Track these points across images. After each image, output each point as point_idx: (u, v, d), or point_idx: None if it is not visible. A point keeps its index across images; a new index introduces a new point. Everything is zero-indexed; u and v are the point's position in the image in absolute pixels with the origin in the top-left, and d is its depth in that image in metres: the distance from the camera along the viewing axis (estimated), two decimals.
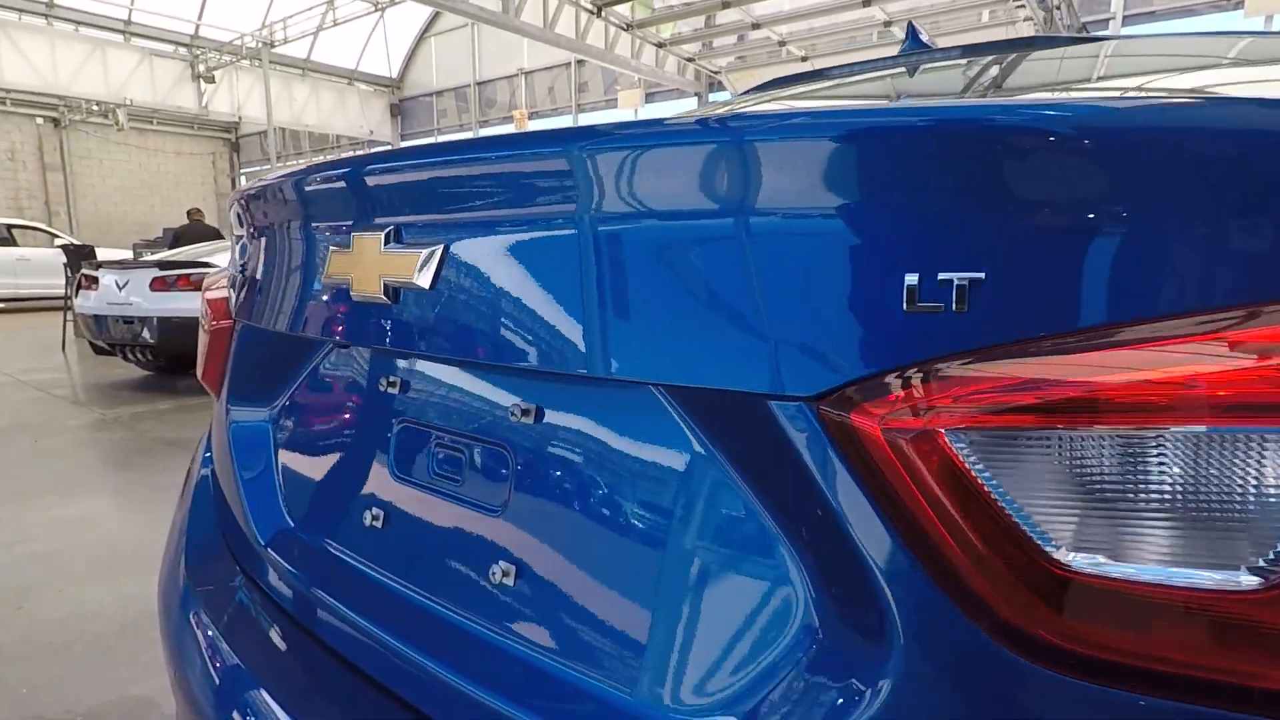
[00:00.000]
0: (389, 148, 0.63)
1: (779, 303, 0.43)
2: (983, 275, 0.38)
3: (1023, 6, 7.56)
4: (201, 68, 14.50)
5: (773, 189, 0.43)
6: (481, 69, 15.33)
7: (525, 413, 0.65)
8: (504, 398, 0.67)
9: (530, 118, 14.28)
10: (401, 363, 0.79)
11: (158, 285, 5.20)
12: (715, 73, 11.39)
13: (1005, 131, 0.38)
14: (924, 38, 1.63)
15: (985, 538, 0.37)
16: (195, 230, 8.17)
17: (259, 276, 0.87)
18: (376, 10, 13.02)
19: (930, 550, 0.39)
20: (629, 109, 12.24)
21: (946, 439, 0.37)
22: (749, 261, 0.44)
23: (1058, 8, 6.51)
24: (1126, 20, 9.05)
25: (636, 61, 10.18)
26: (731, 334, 0.45)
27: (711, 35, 10.64)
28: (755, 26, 9.43)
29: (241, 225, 0.99)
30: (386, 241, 0.63)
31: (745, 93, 1.67)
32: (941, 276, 0.39)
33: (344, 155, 0.74)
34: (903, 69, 1.37)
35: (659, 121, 0.48)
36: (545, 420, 0.65)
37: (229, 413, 1.00)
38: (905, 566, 0.40)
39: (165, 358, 5.49)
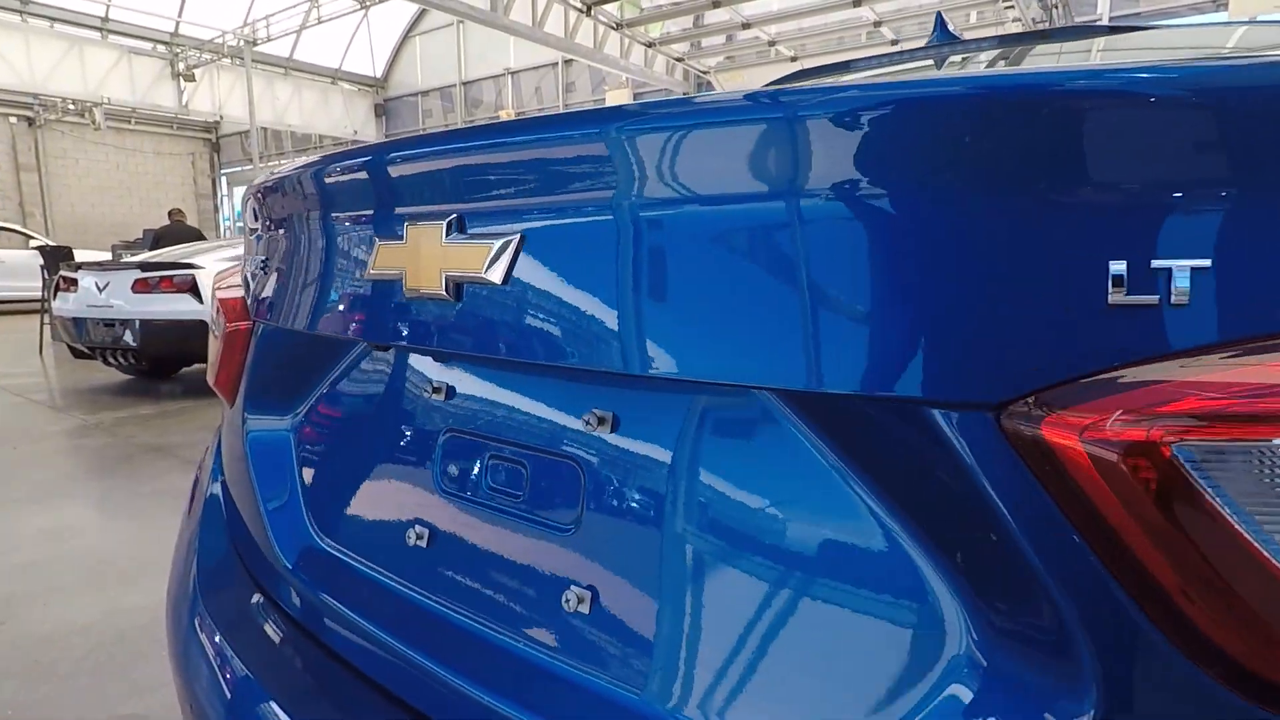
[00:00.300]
0: (453, 127, 0.57)
1: (949, 294, 0.37)
2: (1208, 262, 0.32)
3: (1011, 7, 7.59)
4: (181, 66, 14.23)
5: (944, 159, 0.37)
6: (467, 69, 15.18)
7: (601, 422, 0.59)
8: (576, 405, 0.61)
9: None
10: (449, 366, 0.72)
11: (140, 287, 5.06)
12: (704, 73, 11.36)
13: (1232, 90, 0.33)
14: (951, 29, 1.59)
15: (1222, 569, 0.32)
16: (177, 231, 7.99)
17: (286, 274, 0.80)
18: (361, 9, 12.85)
19: (1145, 584, 0.33)
20: None
21: (1174, 454, 0.32)
22: (910, 246, 0.38)
23: (1055, 7, 6.54)
24: (1112, 21, 9.11)
25: (625, 61, 10.12)
26: (880, 331, 0.39)
27: (700, 35, 10.60)
28: (745, 26, 9.41)
29: (258, 219, 0.92)
30: (448, 231, 0.56)
31: (773, 82, 1.61)
32: (1156, 264, 0.33)
33: (393, 137, 0.66)
34: (948, 57, 1.33)
35: (797, 91, 0.42)
36: (624, 430, 0.58)
37: (246, 421, 0.93)
38: (1110, 601, 0.34)
39: (148, 361, 5.34)
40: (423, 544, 0.72)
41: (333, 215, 0.70)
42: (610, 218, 0.49)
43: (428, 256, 0.57)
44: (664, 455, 0.56)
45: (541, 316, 0.53)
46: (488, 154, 0.54)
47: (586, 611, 0.59)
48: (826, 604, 0.46)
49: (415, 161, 0.59)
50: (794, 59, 10.27)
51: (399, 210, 0.61)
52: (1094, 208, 0.35)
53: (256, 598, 0.85)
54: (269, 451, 0.91)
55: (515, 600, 0.64)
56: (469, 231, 0.56)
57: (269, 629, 0.83)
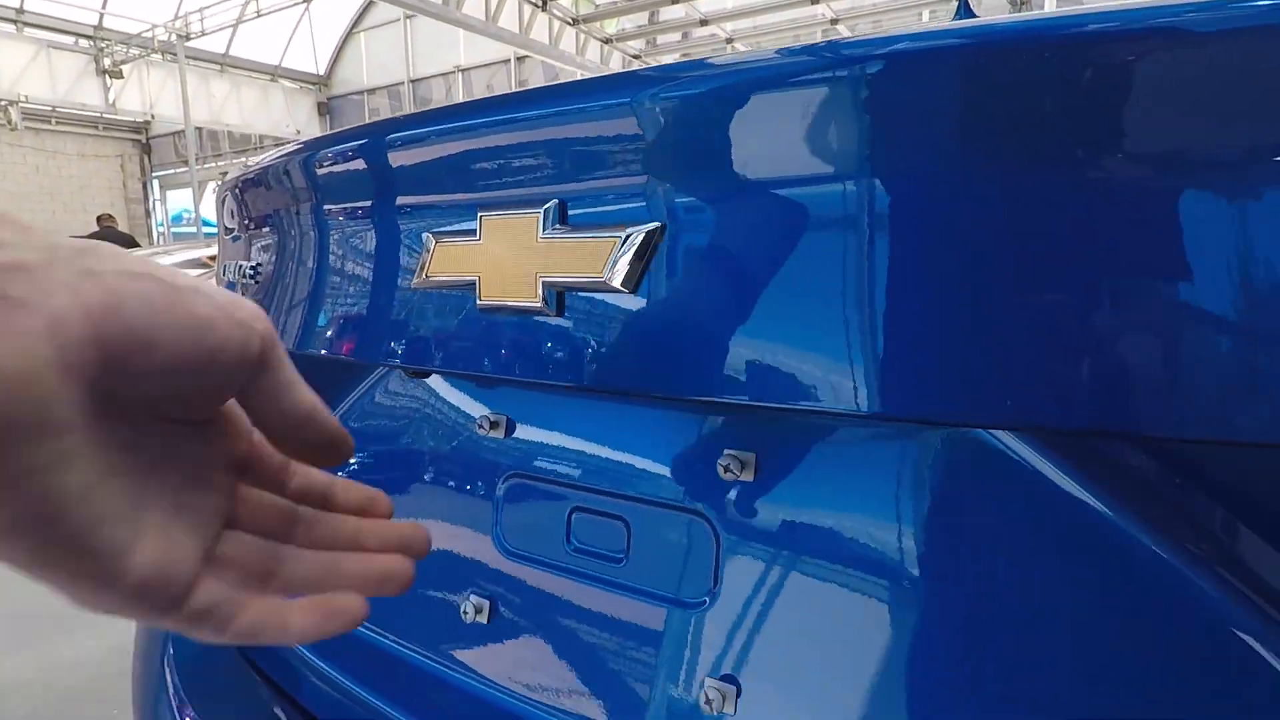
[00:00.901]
0: (541, 85, 0.42)
1: None
2: None
3: None
4: (108, 62, 13.42)
5: None
6: (415, 66, 14.73)
7: (743, 466, 0.45)
8: (704, 444, 0.47)
9: None
10: (508, 394, 0.57)
11: None
12: None
13: None
14: (974, 8, 1.50)
15: None
16: (107, 238, 7.48)
17: (287, 285, 0.64)
18: (303, 1, 12.32)
19: None
20: None
21: None
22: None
23: (1024, 4, 6.65)
24: None
25: (581, 58, 9.94)
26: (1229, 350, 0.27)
27: (656, 31, 10.50)
28: (702, 23, 9.33)
29: (240, 218, 0.75)
30: (547, 223, 0.42)
31: None
32: None
33: (454, 103, 0.51)
34: None
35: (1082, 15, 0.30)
36: (771, 475, 0.45)
37: None
38: None
39: None
40: (482, 619, 0.57)
41: (356, 208, 0.54)
42: (798, 197, 0.36)
43: (518, 256, 0.43)
44: (836, 507, 0.43)
45: (683, 335, 0.39)
46: (607, 118, 0.39)
47: (732, 713, 0.45)
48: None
49: (492, 131, 0.44)
50: None
51: (466, 197, 0.46)
52: None
53: (260, 689, 0.69)
54: None
55: (621, 694, 0.50)
56: (573, 222, 0.42)
57: None
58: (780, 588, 0.45)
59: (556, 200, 0.42)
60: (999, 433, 0.37)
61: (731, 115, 0.36)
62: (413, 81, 14.89)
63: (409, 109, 15.02)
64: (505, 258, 0.43)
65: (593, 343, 0.42)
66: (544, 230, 0.41)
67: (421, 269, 0.48)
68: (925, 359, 0.35)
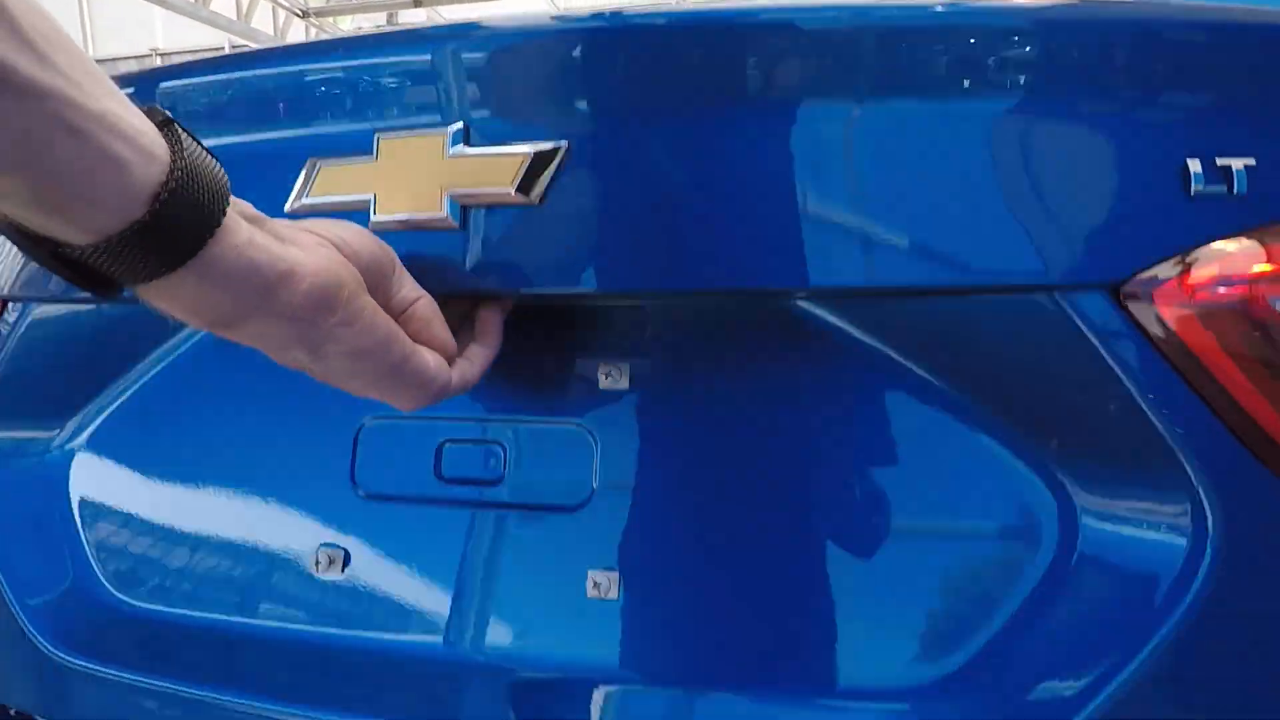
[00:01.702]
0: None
1: (1082, 190, 0.41)
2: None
3: None
4: None
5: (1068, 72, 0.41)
6: (96, 43, 12.37)
7: (621, 374, 0.52)
8: (584, 359, 0.53)
9: None
10: None
11: None
12: None
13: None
14: None
15: None
16: None
17: None
18: None
19: (1244, 420, 0.40)
20: None
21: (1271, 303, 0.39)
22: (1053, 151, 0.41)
23: None
24: None
25: None
26: (1022, 223, 0.42)
27: None
28: None
29: None
30: (455, 142, 0.45)
31: None
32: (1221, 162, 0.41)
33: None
34: None
35: None
36: (644, 381, 0.53)
37: None
38: (1218, 445, 0.40)
39: None
40: (337, 571, 0.56)
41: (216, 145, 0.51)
42: (670, 124, 0.45)
43: (420, 174, 0.45)
44: (701, 399, 0.52)
45: (584, 238, 0.46)
46: (519, 51, 0.45)
47: (616, 597, 0.51)
48: (937, 540, 0.47)
49: (395, 57, 0.47)
50: None
51: (362, 124, 0.48)
52: (1181, 120, 0.41)
53: None
54: (16, 494, 0.63)
55: (507, 596, 0.53)
56: (477, 142, 0.46)
57: None
58: (654, 480, 0.52)
59: (462, 124, 0.46)
60: (806, 297, 0.48)
61: (622, 53, 0.44)
62: (96, 62, 12.47)
63: None
64: (407, 176, 0.46)
65: (496, 250, 0.47)
66: (451, 148, 0.45)
67: (302, 190, 0.48)
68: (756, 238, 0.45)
